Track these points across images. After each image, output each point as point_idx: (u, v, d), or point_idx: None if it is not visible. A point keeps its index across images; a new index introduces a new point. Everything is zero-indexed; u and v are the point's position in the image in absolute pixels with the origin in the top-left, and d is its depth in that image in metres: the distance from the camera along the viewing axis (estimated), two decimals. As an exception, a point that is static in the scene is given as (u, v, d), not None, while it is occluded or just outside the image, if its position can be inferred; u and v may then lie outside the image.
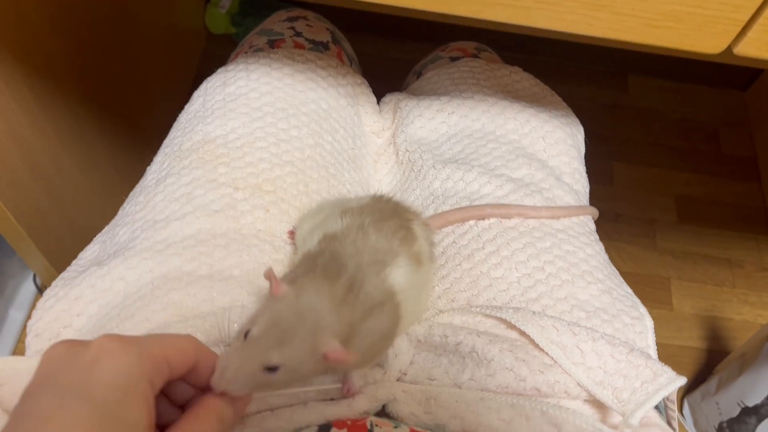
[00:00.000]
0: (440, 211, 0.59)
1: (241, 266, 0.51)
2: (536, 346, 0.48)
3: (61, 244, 0.89)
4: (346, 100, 0.66)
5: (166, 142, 0.62)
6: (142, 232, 0.53)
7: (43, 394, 0.30)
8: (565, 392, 0.46)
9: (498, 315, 0.50)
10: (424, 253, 0.49)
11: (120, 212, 0.58)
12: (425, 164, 0.63)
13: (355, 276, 0.42)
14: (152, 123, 0.64)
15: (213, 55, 1.36)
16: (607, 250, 0.61)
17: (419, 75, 0.76)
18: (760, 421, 0.93)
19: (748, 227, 1.33)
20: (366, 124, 0.69)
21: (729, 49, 0.45)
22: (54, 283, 0.52)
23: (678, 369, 0.46)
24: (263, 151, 0.57)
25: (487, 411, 0.45)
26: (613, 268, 0.59)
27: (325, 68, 0.66)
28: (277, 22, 0.74)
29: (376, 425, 0.44)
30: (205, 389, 0.37)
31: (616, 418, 0.46)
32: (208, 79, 0.65)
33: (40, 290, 1.05)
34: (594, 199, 0.66)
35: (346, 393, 0.43)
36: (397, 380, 0.49)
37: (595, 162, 0.76)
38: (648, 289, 1.23)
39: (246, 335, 0.38)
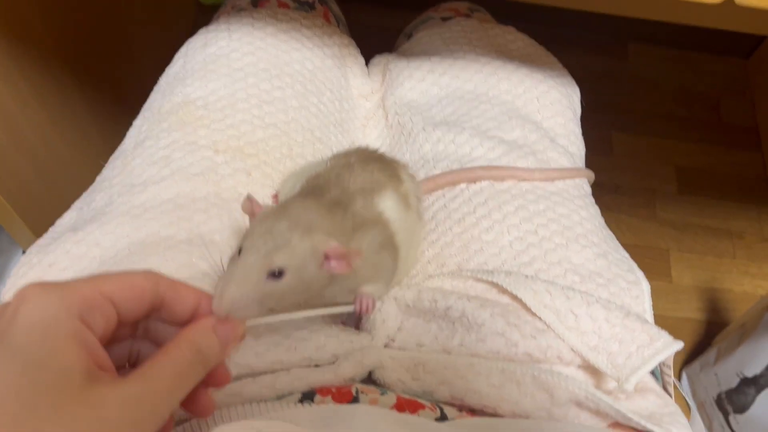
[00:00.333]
0: (431, 174, 0.57)
1: (221, 231, 0.49)
2: (528, 310, 0.46)
3: (48, 218, 0.87)
4: (333, 61, 0.64)
5: (146, 105, 0.60)
6: (118, 197, 0.51)
7: None
8: (558, 358, 0.44)
9: (489, 279, 0.48)
10: (411, 196, 0.48)
11: (98, 178, 0.56)
12: (415, 127, 0.61)
13: (341, 197, 0.43)
14: (141, 95, 0.62)
15: (204, 23, 1.33)
16: (606, 222, 0.60)
17: (410, 36, 0.74)
18: (759, 391, 0.92)
19: (749, 198, 1.31)
20: (354, 87, 0.67)
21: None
22: (29, 250, 0.51)
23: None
24: (245, 113, 0.55)
25: (476, 377, 0.44)
26: (609, 231, 0.58)
27: (310, 28, 0.64)
28: (262, -19, 0.72)
29: (362, 392, 0.43)
30: (184, 325, 0.33)
31: (611, 384, 0.44)
32: (190, 39, 0.63)
33: (29, 265, 1.04)
34: (593, 169, 0.64)
35: (360, 311, 0.41)
36: (385, 346, 0.48)
37: (594, 132, 0.74)
38: (647, 260, 1.21)
39: (240, 252, 0.37)
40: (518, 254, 0.51)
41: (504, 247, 0.51)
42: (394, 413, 0.38)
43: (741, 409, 0.94)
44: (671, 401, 0.47)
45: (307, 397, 0.41)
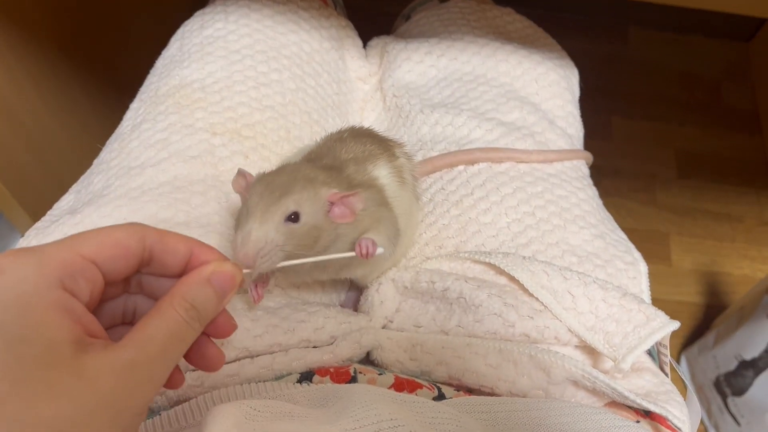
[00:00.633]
0: (428, 156, 0.57)
1: (219, 213, 0.49)
2: (526, 291, 0.46)
3: (46, 202, 0.87)
4: (330, 43, 0.63)
5: (142, 88, 0.60)
6: (116, 180, 0.51)
7: None
8: (555, 338, 0.44)
9: (487, 260, 0.48)
10: (406, 171, 0.49)
11: (95, 161, 0.56)
12: (413, 109, 0.61)
13: (333, 164, 0.44)
14: (137, 78, 0.61)
15: (200, 6, 1.32)
16: (606, 206, 0.60)
17: (408, 18, 0.74)
18: (757, 374, 0.92)
19: (749, 181, 1.31)
20: (351, 69, 0.66)
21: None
22: (27, 233, 0.51)
23: (676, 324, 0.45)
24: (242, 95, 0.55)
25: (474, 357, 0.44)
26: (607, 213, 0.58)
27: (307, 10, 0.63)
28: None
29: (360, 372, 0.43)
30: (179, 276, 0.31)
31: (608, 364, 0.45)
32: (186, 22, 0.63)
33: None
34: (593, 153, 0.64)
35: (361, 254, 0.40)
36: (383, 328, 0.48)
37: (594, 116, 0.73)
38: (647, 244, 1.21)
39: (247, 211, 0.38)
40: (516, 236, 0.51)
41: (502, 229, 0.51)
42: (392, 392, 0.38)
43: (739, 391, 0.95)
44: (667, 380, 0.47)
45: (306, 377, 0.41)
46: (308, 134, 0.56)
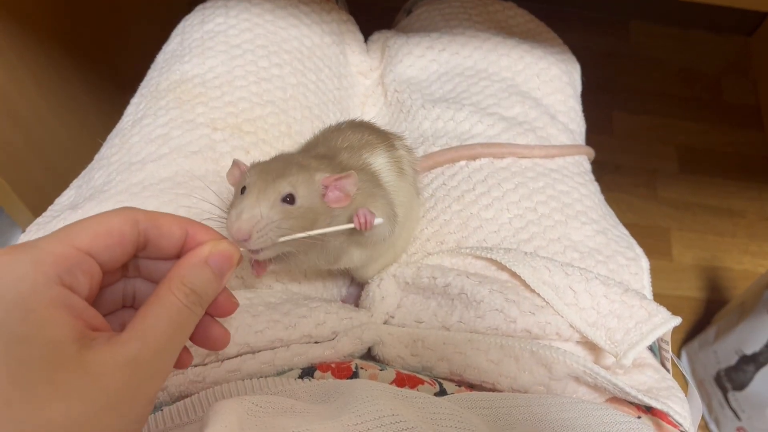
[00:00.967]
0: (430, 152, 0.57)
1: (221, 208, 0.49)
2: (527, 287, 0.46)
3: (47, 198, 0.88)
4: (331, 38, 0.63)
5: (143, 83, 0.59)
6: (117, 175, 0.51)
7: None
8: (557, 334, 0.44)
9: (488, 256, 0.48)
10: (405, 163, 0.49)
11: (96, 156, 0.56)
12: (414, 104, 0.61)
13: (326, 152, 0.44)
14: (138, 73, 0.61)
15: (201, 0, 1.31)
16: (607, 201, 0.59)
17: (409, 12, 0.73)
18: (758, 368, 0.92)
19: (750, 176, 1.31)
20: (353, 64, 0.66)
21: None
22: (28, 229, 0.51)
23: (677, 320, 0.45)
24: (243, 90, 0.55)
25: (475, 352, 0.44)
26: (609, 208, 0.57)
27: (308, 4, 0.63)
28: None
29: (362, 368, 0.43)
30: (177, 258, 0.31)
31: (609, 360, 0.45)
32: (186, 17, 0.62)
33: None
34: (594, 148, 0.63)
35: (359, 224, 0.40)
36: (384, 323, 0.48)
37: (595, 111, 0.73)
38: (648, 240, 1.21)
39: (242, 191, 0.38)
40: (517, 231, 0.51)
41: (503, 225, 0.51)
42: (394, 388, 0.38)
43: (740, 386, 0.95)
44: (669, 376, 0.47)
45: (307, 373, 0.41)
46: (309, 129, 0.56)
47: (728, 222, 1.26)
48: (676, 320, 0.44)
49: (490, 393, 0.42)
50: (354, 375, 0.42)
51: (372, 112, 0.65)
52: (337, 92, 0.61)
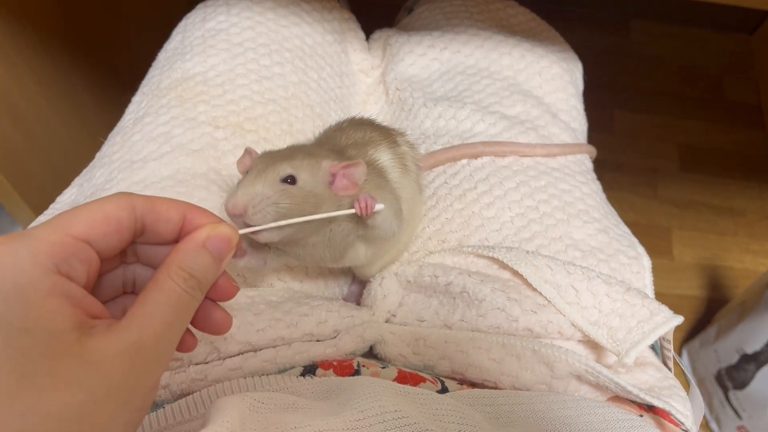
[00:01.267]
0: (431, 150, 0.57)
1: (222, 207, 0.49)
2: (529, 285, 0.46)
3: (48, 197, 0.88)
4: (333, 36, 0.63)
5: (144, 81, 0.59)
6: (119, 173, 0.51)
7: None
8: (559, 332, 0.44)
9: (490, 254, 0.48)
10: (409, 160, 0.48)
11: (98, 154, 0.56)
12: (416, 103, 0.61)
13: (332, 147, 0.44)
14: (139, 71, 0.61)
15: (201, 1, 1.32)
16: (608, 200, 0.59)
17: (410, 10, 0.73)
18: (759, 367, 0.92)
19: (752, 175, 1.31)
20: (354, 62, 0.66)
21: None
22: (29, 227, 0.50)
23: (677, 319, 0.45)
24: (244, 88, 0.55)
25: (477, 351, 0.44)
26: (611, 207, 0.57)
27: (310, 2, 0.63)
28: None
29: (364, 366, 0.43)
30: (175, 242, 0.30)
31: (611, 359, 0.45)
32: (188, 15, 0.62)
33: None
34: (595, 147, 0.63)
35: (360, 210, 0.39)
36: (386, 322, 0.48)
37: (596, 110, 0.73)
38: (649, 238, 1.21)
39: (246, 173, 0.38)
40: (519, 230, 0.51)
41: (505, 223, 0.51)
42: (396, 384, 0.38)
43: (741, 385, 0.95)
44: (671, 375, 0.47)
45: (309, 371, 0.41)
46: (311, 128, 0.56)
47: (729, 221, 1.26)
48: (678, 319, 0.44)
49: (492, 390, 0.42)
50: (356, 373, 0.42)
51: (373, 111, 0.65)
52: (339, 91, 0.61)
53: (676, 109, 1.37)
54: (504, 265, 0.48)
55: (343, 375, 0.41)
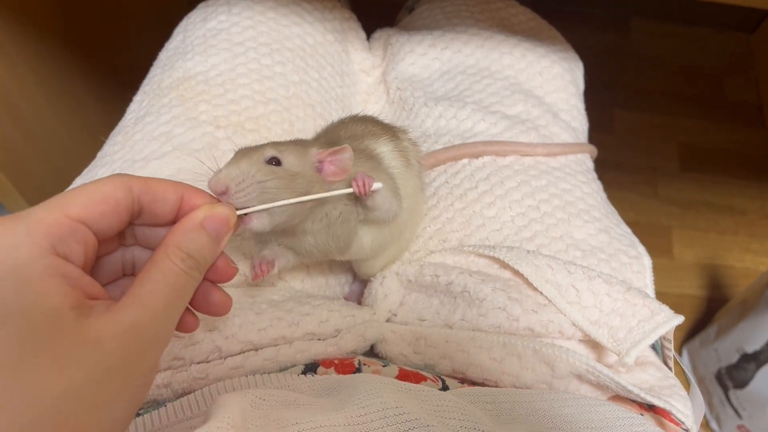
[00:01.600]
0: (432, 150, 0.57)
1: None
2: (530, 285, 0.46)
3: (48, 194, 0.88)
4: (334, 35, 0.63)
5: (146, 80, 0.59)
6: (120, 173, 0.50)
7: None
8: (560, 332, 0.44)
9: (491, 254, 0.48)
10: (411, 154, 0.48)
11: (99, 154, 0.56)
12: (417, 102, 0.61)
13: (330, 140, 0.43)
14: (140, 70, 0.61)
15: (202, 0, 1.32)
16: (608, 199, 0.59)
17: (411, 10, 0.73)
18: (759, 367, 0.92)
19: (752, 175, 1.31)
20: (355, 62, 0.66)
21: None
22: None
23: (677, 318, 0.45)
24: (245, 88, 0.55)
25: (477, 350, 0.44)
26: (611, 206, 0.57)
27: (310, 2, 0.63)
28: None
29: (365, 364, 0.43)
30: (172, 224, 0.30)
31: (612, 358, 0.45)
32: (189, 14, 0.62)
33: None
34: (595, 146, 0.63)
35: (358, 189, 0.38)
36: (387, 321, 0.48)
37: (597, 109, 0.73)
38: (649, 237, 1.21)
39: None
40: (520, 229, 0.51)
41: (506, 223, 0.51)
42: (398, 381, 0.38)
43: (741, 384, 0.95)
44: (671, 374, 0.47)
45: (310, 369, 0.41)
46: (312, 127, 0.56)
47: (729, 220, 1.26)
48: (679, 319, 0.44)
49: (493, 388, 0.42)
50: (357, 371, 0.42)
51: (374, 110, 0.65)
52: (340, 90, 0.61)
53: (677, 108, 1.37)
54: (505, 265, 0.48)
55: (344, 373, 0.41)
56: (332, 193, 0.39)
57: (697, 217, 1.26)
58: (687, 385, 0.46)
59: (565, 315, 0.45)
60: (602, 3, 1.45)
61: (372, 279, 0.50)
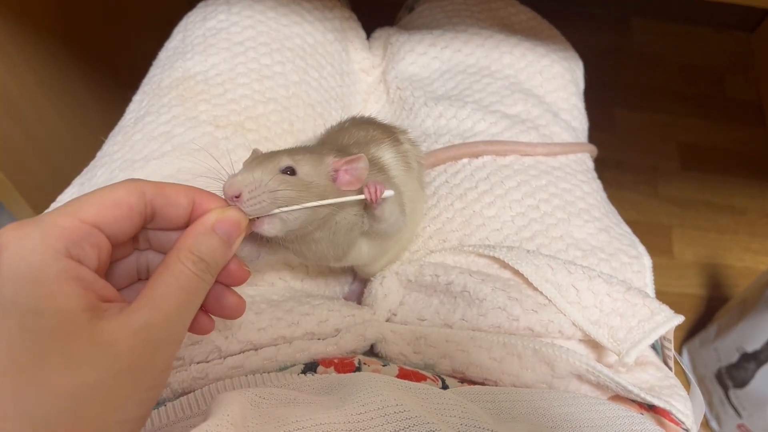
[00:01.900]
0: (432, 149, 0.57)
1: (223, 206, 0.49)
2: (530, 285, 0.46)
3: (48, 194, 0.88)
4: (334, 35, 0.63)
5: (145, 80, 0.59)
6: (120, 172, 0.51)
7: None
8: (560, 332, 0.44)
9: (491, 254, 0.48)
10: (411, 157, 0.48)
11: (98, 153, 0.56)
12: (417, 102, 0.61)
13: (335, 147, 0.43)
14: (140, 70, 0.61)
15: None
16: (608, 199, 0.59)
17: (411, 9, 0.73)
18: (759, 366, 0.92)
19: (752, 174, 1.31)
20: (355, 61, 0.66)
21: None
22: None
23: (677, 317, 0.45)
24: (245, 87, 0.55)
25: (477, 350, 0.44)
26: (611, 206, 0.57)
27: (310, 1, 0.63)
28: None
29: (365, 363, 0.43)
30: (185, 228, 0.31)
31: (612, 358, 0.45)
32: (188, 14, 0.62)
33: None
34: (595, 145, 0.63)
35: (369, 197, 0.39)
36: (387, 321, 0.48)
37: (597, 108, 0.73)
38: (649, 237, 1.21)
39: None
40: (520, 229, 0.51)
41: (506, 222, 0.51)
42: (397, 380, 0.38)
43: (741, 383, 0.95)
44: (671, 374, 0.47)
45: (310, 368, 0.41)
46: (311, 127, 0.56)
47: (730, 219, 1.26)
48: (679, 318, 0.44)
49: (493, 387, 0.42)
50: (357, 370, 0.42)
51: (374, 110, 0.65)
52: (340, 89, 0.61)
53: (677, 107, 1.37)
54: (505, 265, 0.48)
55: (344, 372, 0.41)
56: (345, 199, 0.39)
57: (698, 216, 1.26)
58: (687, 384, 0.46)
59: (565, 315, 0.45)
60: (602, 2, 1.45)
61: (372, 279, 0.50)
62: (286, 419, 0.32)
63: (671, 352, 0.48)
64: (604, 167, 0.63)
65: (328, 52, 0.62)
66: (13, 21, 0.75)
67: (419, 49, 0.65)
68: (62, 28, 0.86)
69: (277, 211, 0.35)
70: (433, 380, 0.43)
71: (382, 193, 0.39)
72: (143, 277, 0.33)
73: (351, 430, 0.32)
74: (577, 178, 0.56)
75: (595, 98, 0.73)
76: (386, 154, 0.46)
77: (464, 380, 0.45)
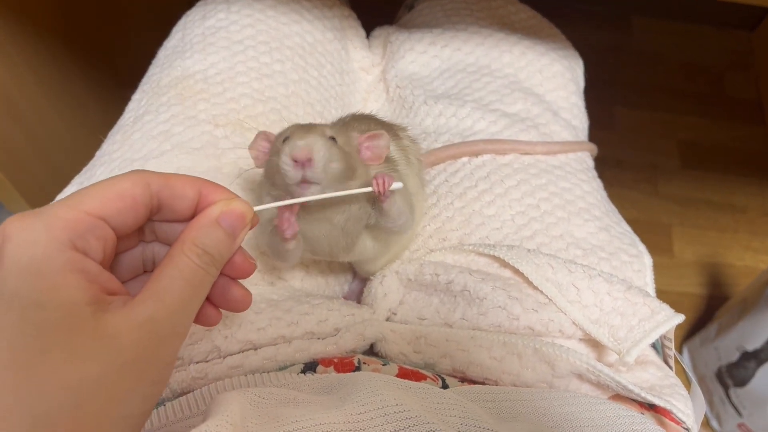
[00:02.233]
0: (432, 148, 0.57)
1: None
2: (530, 284, 0.46)
3: (47, 193, 0.88)
4: (333, 33, 0.63)
5: (144, 79, 0.59)
6: (119, 172, 0.50)
7: None
8: (560, 331, 0.44)
9: (491, 253, 0.48)
10: (411, 153, 0.48)
11: (98, 153, 0.56)
12: (416, 100, 0.61)
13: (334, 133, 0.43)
14: (139, 69, 0.61)
15: None
16: (609, 197, 0.59)
17: (411, 8, 0.73)
18: (759, 365, 0.92)
19: (752, 172, 1.30)
20: (354, 60, 0.66)
21: None
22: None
23: (677, 316, 0.45)
24: (245, 86, 0.55)
25: (478, 349, 0.44)
26: (612, 205, 0.57)
27: (310, 0, 0.63)
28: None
29: (364, 363, 0.43)
30: (191, 220, 0.30)
31: (612, 357, 0.45)
32: (188, 13, 0.62)
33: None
34: (595, 144, 0.63)
35: (377, 188, 0.39)
36: (387, 320, 0.48)
37: (597, 107, 0.73)
38: (649, 235, 1.20)
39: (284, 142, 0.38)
40: (520, 228, 0.51)
41: (506, 221, 0.51)
42: (397, 379, 0.38)
43: (741, 382, 0.95)
44: (672, 373, 0.47)
45: (310, 368, 0.41)
46: (311, 126, 0.56)
47: (730, 218, 1.26)
48: (680, 318, 0.44)
49: (494, 387, 0.42)
50: (356, 370, 0.42)
51: (374, 108, 0.65)
52: (339, 88, 0.61)
53: (677, 105, 1.37)
54: (505, 264, 0.48)
55: (343, 372, 0.41)
56: (354, 191, 0.39)
57: (698, 214, 1.26)
58: (687, 383, 0.46)
59: (565, 314, 0.44)
60: (603, 0, 1.45)
61: (371, 278, 0.50)
62: (285, 419, 0.32)
63: (672, 351, 0.48)
64: (604, 166, 0.63)
65: (328, 51, 0.62)
66: (13, 21, 0.75)
67: (419, 48, 0.64)
68: (62, 28, 0.86)
69: (290, 202, 0.36)
70: (433, 380, 0.42)
71: (390, 184, 0.39)
72: (149, 269, 0.32)
73: (351, 429, 0.32)
74: (577, 177, 0.56)
75: (595, 96, 0.73)
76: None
77: (464, 380, 0.45)
